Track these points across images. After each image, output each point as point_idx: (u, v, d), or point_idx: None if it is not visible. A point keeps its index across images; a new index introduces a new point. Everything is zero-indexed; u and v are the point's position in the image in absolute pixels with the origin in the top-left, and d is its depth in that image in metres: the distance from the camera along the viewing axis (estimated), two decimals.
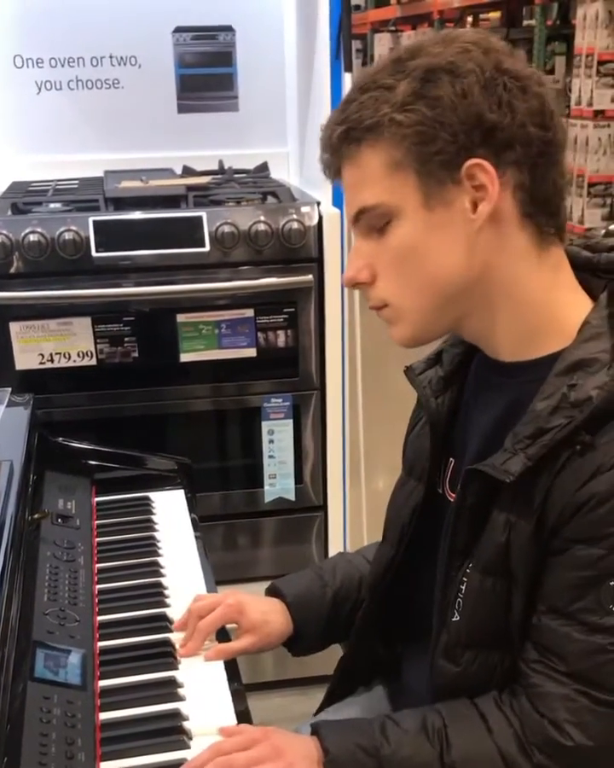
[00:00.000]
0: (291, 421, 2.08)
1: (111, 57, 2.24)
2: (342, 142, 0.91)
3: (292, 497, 2.14)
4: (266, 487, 2.12)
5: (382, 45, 4.59)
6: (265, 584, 1.25)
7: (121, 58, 2.24)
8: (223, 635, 1.17)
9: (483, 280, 0.92)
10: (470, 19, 4.37)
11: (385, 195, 0.90)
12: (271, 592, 1.22)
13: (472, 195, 0.88)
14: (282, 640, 1.19)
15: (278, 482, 2.12)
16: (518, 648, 0.93)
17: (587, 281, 0.97)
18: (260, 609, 1.17)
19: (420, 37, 0.94)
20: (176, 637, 1.17)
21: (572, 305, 0.94)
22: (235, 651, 1.15)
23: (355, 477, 2.18)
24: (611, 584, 0.86)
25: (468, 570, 0.95)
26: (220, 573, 1.37)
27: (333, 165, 0.94)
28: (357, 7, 4.83)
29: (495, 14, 4.39)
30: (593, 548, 0.86)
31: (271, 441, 2.09)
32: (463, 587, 0.95)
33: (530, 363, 0.94)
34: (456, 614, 0.96)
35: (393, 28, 4.66)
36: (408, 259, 0.91)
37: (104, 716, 1.02)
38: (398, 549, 1.10)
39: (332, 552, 2.16)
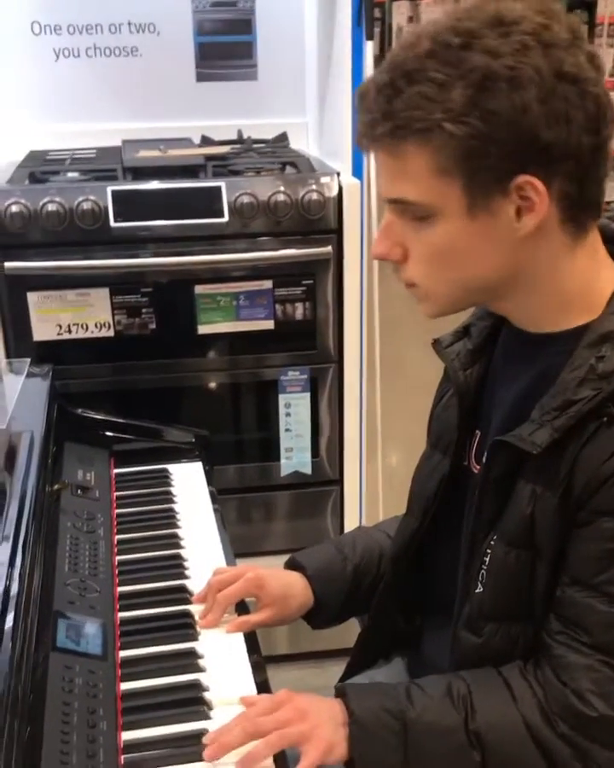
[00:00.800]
0: (308, 394, 2.07)
1: (129, 24, 2.20)
2: (385, 137, 0.86)
3: (308, 470, 2.13)
4: (282, 461, 2.12)
5: (400, 14, 4.52)
6: (281, 558, 1.24)
7: (140, 25, 2.21)
8: (242, 608, 1.17)
9: (517, 274, 0.91)
10: None
11: (429, 195, 0.87)
12: (291, 565, 1.22)
13: (518, 205, 0.86)
14: (301, 613, 1.19)
15: (294, 456, 2.11)
16: (541, 620, 0.93)
17: None
18: (280, 583, 1.17)
19: (464, 8, 0.85)
20: (195, 609, 1.17)
21: (604, 280, 0.93)
22: (255, 624, 1.15)
23: (371, 451, 2.17)
24: None
25: (493, 542, 0.95)
26: (235, 546, 1.37)
27: (372, 149, 0.90)
28: None
29: None
30: None
31: (288, 414, 2.08)
32: (487, 559, 0.95)
33: (559, 334, 0.94)
34: (480, 586, 0.96)
35: None
36: (445, 257, 0.90)
37: (125, 686, 1.02)
38: (423, 522, 1.10)
39: (347, 526, 2.15)
